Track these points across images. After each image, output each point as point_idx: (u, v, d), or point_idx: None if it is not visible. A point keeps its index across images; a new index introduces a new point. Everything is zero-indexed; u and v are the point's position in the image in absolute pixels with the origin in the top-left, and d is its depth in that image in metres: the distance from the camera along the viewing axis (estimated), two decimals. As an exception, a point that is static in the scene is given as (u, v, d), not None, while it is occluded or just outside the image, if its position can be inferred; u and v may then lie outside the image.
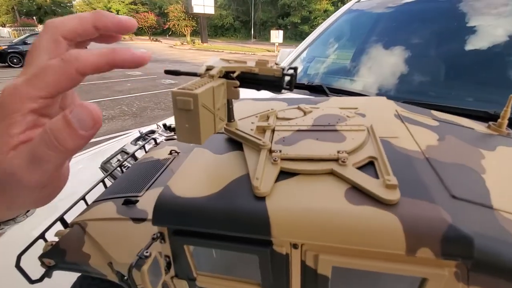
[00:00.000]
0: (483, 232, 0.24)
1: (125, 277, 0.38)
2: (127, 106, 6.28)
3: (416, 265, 0.25)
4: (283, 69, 0.33)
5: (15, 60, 10.87)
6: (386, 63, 1.37)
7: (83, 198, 0.52)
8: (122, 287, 0.42)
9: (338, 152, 0.33)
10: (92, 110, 0.27)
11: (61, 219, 0.47)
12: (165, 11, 34.33)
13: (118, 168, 0.68)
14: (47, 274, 0.43)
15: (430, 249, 0.23)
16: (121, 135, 1.38)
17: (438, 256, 0.23)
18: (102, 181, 0.58)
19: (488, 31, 1.11)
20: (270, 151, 0.35)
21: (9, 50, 10.73)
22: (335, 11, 2.09)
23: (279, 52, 2.43)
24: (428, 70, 1.25)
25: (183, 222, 0.29)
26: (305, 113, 0.45)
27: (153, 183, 0.51)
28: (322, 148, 0.34)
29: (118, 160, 0.90)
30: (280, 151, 0.34)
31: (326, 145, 0.35)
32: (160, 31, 37.48)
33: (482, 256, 0.23)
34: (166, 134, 0.97)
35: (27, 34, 12.07)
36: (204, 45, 24.37)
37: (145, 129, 1.11)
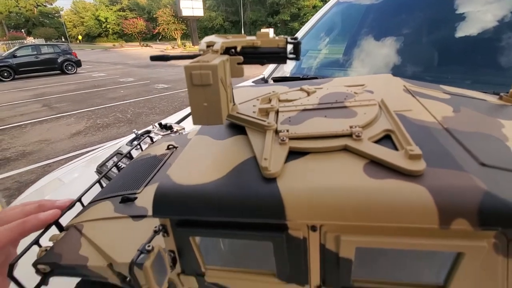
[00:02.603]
0: None
1: (128, 278, 0.35)
2: (121, 113, 6.22)
3: (450, 238, 0.22)
4: (287, 38, 0.30)
5: (5, 74, 10.74)
6: (379, 54, 1.36)
7: (79, 200, 0.48)
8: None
9: (351, 127, 0.30)
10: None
11: (56, 223, 0.44)
12: (154, 16, 34.14)
13: (114, 169, 0.65)
14: (43, 282, 0.40)
15: (466, 220, 0.21)
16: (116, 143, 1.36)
17: (476, 227, 0.21)
18: (99, 182, 0.55)
19: (476, 17, 1.13)
20: (276, 132, 0.32)
21: (-2, 64, 10.61)
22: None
23: None
24: (421, 57, 1.24)
25: (187, 212, 0.26)
26: (308, 94, 0.42)
27: (151, 179, 0.48)
28: (332, 124, 0.32)
29: (114, 162, 0.87)
30: (287, 130, 0.32)
31: (337, 121, 0.32)
32: (150, 36, 37.28)
33: None
34: (162, 133, 0.94)
35: (16, 47, 11.90)
36: (195, 48, 24.27)
37: (140, 131, 1.08)
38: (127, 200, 0.43)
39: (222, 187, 0.26)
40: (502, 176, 0.24)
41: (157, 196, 0.27)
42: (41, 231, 0.41)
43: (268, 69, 1.80)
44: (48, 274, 0.38)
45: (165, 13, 31.18)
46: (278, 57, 0.33)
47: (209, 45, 0.30)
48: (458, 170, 0.23)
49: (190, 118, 1.21)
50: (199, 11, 25.41)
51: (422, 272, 0.27)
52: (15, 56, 10.98)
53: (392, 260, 0.26)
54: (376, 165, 0.26)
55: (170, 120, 1.19)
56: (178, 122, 1.12)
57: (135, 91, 8.29)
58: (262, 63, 0.33)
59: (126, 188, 0.47)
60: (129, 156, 0.70)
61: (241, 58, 0.31)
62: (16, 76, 10.99)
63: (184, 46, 25.98)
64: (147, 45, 31.19)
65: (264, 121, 0.34)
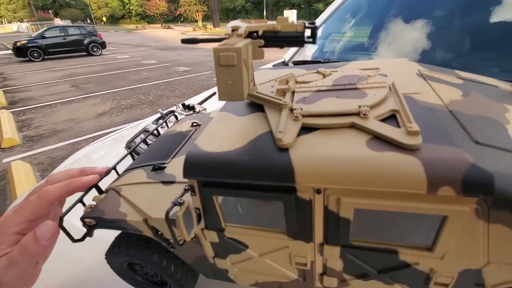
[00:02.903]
0: (505, 171, 0.25)
1: (159, 232, 0.41)
2: (143, 95, 6.39)
3: (437, 203, 0.25)
4: (305, 23, 0.33)
5: (35, 54, 11.19)
6: (407, 38, 1.29)
7: (114, 168, 0.55)
8: (157, 243, 0.46)
9: (359, 106, 0.33)
10: (51, 227, 0.42)
11: (96, 186, 0.51)
12: (176, -3, 33.94)
13: (142, 145, 0.71)
14: (88, 234, 0.47)
15: (451, 187, 0.24)
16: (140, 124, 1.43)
17: (460, 193, 0.24)
18: (131, 154, 0.62)
19: None
20: (291, 110, 0.36)
21: (29, 45, 11.03)
22: (351, -13, 1.99)
23: None
24: (451, 43, 1.17)
25: (212, 174, 0.31)
26: (324, 76, 0.45)
27: (178, 151, 0.53)
28: (342, 104, 0.35)
29: (142, 138, 0.94)
30: (301, 109, 0.35)
31: (347, 101, 0.35)
32: (171, 17, 37.25)
33: (503, 193, 0.24)
34: (185, 113, 0.99)
35: (45, 28, 12.32)
36: (216, 30, 24.06)
37: (165, 111, 1.15)
38: (158, 168, 0.48)
39: (242, 155, 0.31)
40: (492, 153, 0.27)
41: (187, 161, 0.32)
42: (83, 192, 0.48)
43: (288, 53, 1.79)
44: (93, 226, 0.45)
45: (186, -6, 30.92)
46: (296, 41, 0.36)
47: (234, 29, 0.33)
48: (451, 146, 0.26)
49: (211, 100, 1.26)
50: (220, -9, 24.88)
51: (412, 236, 0.30)
52: (44, 37, 11.38)
53: (386, 225, 0.30)
54: (379, 140, 0.29)
55: (192, 101, 1.24)
56: (200, 103, 1.17)
57: (157, 74, 8.45)
58: (281, 46, 0.37)
59: (156, 159, 0.52)
60: (156, 133, 0.77)
61: (262, 41, 0.35)
62: (45, 57, 11.44)
63: (205, 28, 25.80)
64: (169, 27, 31.27)
65: (281, 100, 0.37)
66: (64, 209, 0.47)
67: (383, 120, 0.32)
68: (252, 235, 0.36)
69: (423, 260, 0.30)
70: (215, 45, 0.33)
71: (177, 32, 25.87)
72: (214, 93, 1.23)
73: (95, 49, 12.51)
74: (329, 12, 1.91)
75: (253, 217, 0.36)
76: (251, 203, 0.36)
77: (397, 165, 0.26)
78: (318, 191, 0.29)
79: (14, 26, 38.04)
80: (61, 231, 0.45)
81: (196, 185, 0.33)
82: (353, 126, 0.32)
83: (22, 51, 11.02)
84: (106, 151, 1.28)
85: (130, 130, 1.35)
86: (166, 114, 1.05)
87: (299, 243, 0.34)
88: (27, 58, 11.13)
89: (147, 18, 38.57)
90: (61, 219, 0.45)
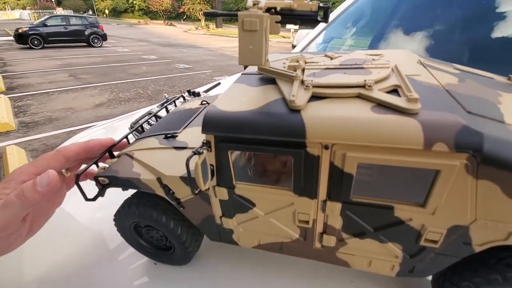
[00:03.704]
0: (492, 134, 0.28)
1: (171, 191, 0.44)
2: (142, 89, 6.38)
3: (431, 158, 0.29)
4: (319, 3, 0.36)
5: (35, 42, 11.12)
6: (407, 49, 1.32)
7: (125, 137, 0.58)
8: (165, 205, 0.49)
9: (365, 80, 0.37)
10: (50, 176, 0.43)
11: (109, 151, 0.53)
12: (180, -5, 34.00)
13: (147, 126, 0.74)
14: (100, 193, 0.49)
15: (445, 143, 0.27)
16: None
17: (452, 149, 0.27)
18: (139, 128, 0.64)
19: None
20: (302, 82, 0.39)
21: (30, 32, 10.96)
22: (355, -4, 2.03)
23: (295, 37, 2.41)
24: (451, 56, 1.18)
25: (229, 130, 0.34)
26: (332, 58, 0.49)
27: (189, 123, 0.56)
28: (350, 78, 0.38)
29: (146, 118, 0.97)
30: (312, 80, 0.38)
31: (354, 76, 0.38)
32: (174, 15, 37.26)
33: (491, 151, 0.27)
34: (191, 99, 1.02)
35: (46, 16, 12.23)
36: (218, 30, 24.14)
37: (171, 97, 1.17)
38: (170, 136, 0.51)
39: (257, 114, 0.34)
40: (482, 121, 0.30)
41: (206, 118, 0.35)
42: (98, 157, 0.51)
43: (294, 51, 1.83)
44: (106, 185, 0.48)
45: (191, -8, 31.02)
46: (310, 19, 0.39)
47: (255, 3, 0.37)
48: (446, 111, 0.30)
49: (216, 89, 1.29)
50: (225, -7, 25.06)
51: (407, 194, 0.34)
52: (45, 25, 11.31)
53: (384, 183, 0.33)
54: (382, 107, 0.32)
55: (198, 90, 1.27)
56: (206, 91, 1.20)
57: (157, 69, 8.44)
58: (296, 24, 0.40)
59: (168, 130, 0.55)
60: (161, 115, 0.79)
61: (279, 17, 0.38)
62: (45, 45, 11.37)
63: (208, 27, 25.86)
64: (171, 24, 31.25)
65: (293, 73, 0.41)
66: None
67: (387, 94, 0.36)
68: (260, 193, 0.38)
69: (415, 216, 0.33)
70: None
71: (179, 30, 25.89)
72: (219, 83, 1.26)
73: (95, 41, 12.45)
74: (334, 16, 1.95)
75: (262, 177, 0.39)
76: (261, 162, 0.39)
77: (398, 124, 0.29)
78: (326, 147, 0.32)
79: (16, 13, 37.77)
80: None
81: (212, 140, 0.36)
82: (359, 96, 0.35)
83: (23, 38, 10.95)
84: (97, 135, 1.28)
85: (122, 121, 1.35)
86: (173, 99, 1.07)
87: (304, 200, 0.37)
88: (27, 45, 11.04)
89: (149, 13, 38.49)
90: (77, 177, 0.47)
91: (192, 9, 31.58)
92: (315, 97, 0.36)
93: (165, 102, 1.09)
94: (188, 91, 1.10)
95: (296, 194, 0.37)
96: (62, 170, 0.49)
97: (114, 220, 0.52)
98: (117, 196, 0.53)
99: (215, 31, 23.48)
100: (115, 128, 1.33)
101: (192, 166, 0.34)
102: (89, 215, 0.70)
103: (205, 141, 0.36)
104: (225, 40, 17.82)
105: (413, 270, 0.40)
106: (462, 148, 0.27)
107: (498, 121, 0.31)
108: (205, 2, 30.26)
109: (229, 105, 0.36)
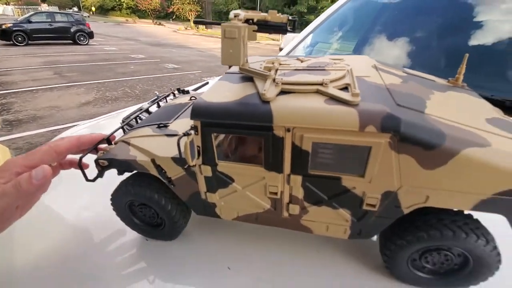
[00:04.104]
0: (409, 119, 0.38)
1: (163, 171, 0.52)
2: (130, 88, 6.33)
3: (365, 137, 0.38)
4: (288, 17, 0.46)
5: (19, 38, 10.81)
6: (389, 54, 1.38)
7: (118, 129, 0.65)
8: (157, 185, 0.56)
9: (323, 80, 0.46)
10: (45, 170, 0.48)
11: (107, 139, 0.60)
12: (170, -6, 33.76)
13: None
14: (100, 175, 0.56)
15: (374, 126, 0.37)
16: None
17: (379, 130, 0.37)
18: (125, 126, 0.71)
19: (493, 26, 1.11)
20: (274, 80, 0.48)
21: (14, 28, 10.65)
22: (342, 2, 2.10)
23: (283, 40, 2.49)
24: (430, 62, 1.27)
25: (213, 116, 0.42)
26: (302, 61, 0.58)
27: (179, 116, 0.64)
28: (311, 78, 0.47)
29: (137, 114, 1.03)
30: (282, 79, 0.47)
31: (315, 76, 0.48)
32: (163, 14, 36.93)
33: (406, 132, 0.37)
34: (180, 95, 1.09)
35: (31, 13, 11.92)
36: (208, 31, 24.14)
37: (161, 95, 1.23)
38: (163, 126, 0.59)
39: (236, 104, 0.42)
40: (405, 110, 0.40)
41: (194, 107, 0.43)
42: (94, 144, 0.58)
43: (281, 53, 1.91)
44: (105, 167, 0.55)
45: (180, -8, 30.91)
46: (281, 29, 0.48)
47: (236, 15, 0.45)
48: (378, 103, 0.39)
49: (204, 88, 1.36)
50: (215, -6, 25.18)
51: (351, 167, 0.43)
52: (30, 22, 11.02)
53: (333, 159, 0.42)
54: (333, 100, 0.41)
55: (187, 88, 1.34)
56: (195, 90, 1.27)
57: (145, 68, 8.38)
58: (270, 33, 0.49)
59: (160, 121, 0.63)
60: (151, 110, 0.86)
61: (255, 27, 0.47)
62: (29, 42, 11.07)
63: (197, 28, 25.79)
64: (160, 24, 31.00)
65: (267, 72, 0.49)
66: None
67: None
68: (238, 169, 0.47)
69: (358, 184, 0.43)
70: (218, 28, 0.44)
71: (168, 30, 25.71)
72: (207, 83, 1.34)
73: (81, 38, 12.20)
74: (319, 21, 2.04)
75: (239, 156, 0.47)
76: (239, 145, 0.47)
77: (342, 112, 0.38)
78: (288, 130, 0.41)
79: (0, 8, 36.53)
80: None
81: (199, 125, 0.44)
82: (317, 91, 0.44)
83: (6, 35, 10.62)
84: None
85: (108, 119, 1.38)
86: (164, 96, 1.14)
87: (273, 174, 0.45)
88: (11, 42, 10.72)
89: (138, 12, 38.01)
90: (80, 159, 0.54)
91: (182, 9, 31.43)
92: (283, 92, 0.45)
93: (156, 98, 1.16)
94: (178, 89, 1.18)
95: (266, 169, 0.45)
96: None
97: (111, 199, 0.59)
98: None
99: (205, 32, 23.46)
100: (101, 126, 1.36)
101: (182, 146, 0.42)
102: (78, 212, 0.75)
103: (193, 126, 0.44)
104: (214, 41, 17.83)
105: (361, 232, 0.49)
106: (386, 129, 0.37)
107: (419, 111, 0.41)
108: (195, 3, 30.20)
109: (214, 97, 0.45)
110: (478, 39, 1.13)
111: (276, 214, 0.51)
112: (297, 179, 0.45)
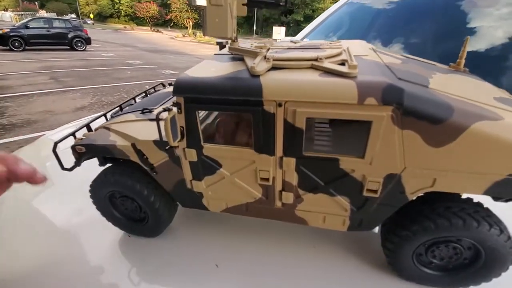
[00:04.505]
0: (412, 91, 0.34)
1: (145, 156, 0.47)
2: (126, 93, 6.28)
3: (364, 110, 0.34)
4: (280, -10, 0.42)
5: (16, 44, 10.79)
6: None
7: (104, 114, 0.61)
8: (139, 174, 0.51)
9: (318, 55, 0.42)
10: None
11: (87, 125, 0.56)
12: (168, 2, 34.12)
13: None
14: (78, 163, 0.52)
15: (374, 98, 0.33)
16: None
17: (380, 103, 0.33)
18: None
19: (487, 32, 1.11)
20: (265, 57, 0.44)
21: (11, 34, 10.64)
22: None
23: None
24: None
25: (197, 92, 0.38)
26: (295, 43, 0.54)
27: (165, 102, 0.60)
28: (305, 54, 0.43)
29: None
30: (273, 55, 0.43)
31: (309, 53, 0.44)
32: (161, 22, 37.23)
33: (410, 104, 0.33)
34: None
35: (29, 18, 11.94)
36: (205, 38, 24.29)
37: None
38: (147, 111, 0.55)
39: (223, 79, 0.38)
40: (407, 83, 0.36)
41: (177, 82, 0.39)
42: (81, 124, 0.53)
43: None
44: (83, 154, 0.50)
45: (178, 0, 31.23)
46: (273, 3, 0.45)
47: None
48: (377, 75, 0.35)
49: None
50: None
51: (349, 148, 0.39)
52: (27, 27, 11.02)
53: (330, 139, 0.38)
54: (329, 74, 0.38)
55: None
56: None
57: (142, 74, 8.36)
58: (260, 7, 0.45)
59: (144, 107, 0.59)
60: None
61: (244, 0, 0.43)
62: (26, 47, 11.04)
63: (195, 35, 25.99)
64: (157, 31, 31.21)
65: (257, 50, 0.46)
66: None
67: None
68: (225, 152, 0.42)
69: (357, 166, 0.38)
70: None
71: (166, 36, 25.84)
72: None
73: (79, 44, 12.21)
74: (314, 25, 2.03)
75: (226, 138, 0.43)
76: (226, 125, 0.43)
77: (338, 84, 0.34)
78: (279, 105, 0.37)
79: (-3, 14, 36.61)
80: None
81: (182, 102, 0.40)
82: (311, 67, 0.40)
83: (3, 40, 10.61)
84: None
85: (98, 120, 1.35)
86: (153, 87, 1.10)
87: (264, 157, 0.41)
88: (8, 47, 10.68)
89: (136, 19, 38.28)
90: (55, 145, 0.49)
91: (180, 17, 31.72)
92: (275, 68, 0.41)
93: (145, 90, 1.12)
94: (170, 84, 1.14)
95: (257, 151, 0.41)
96: None
97: (90, 191, 0.54)
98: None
99: (202, 39, 23.63)
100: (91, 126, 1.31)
101: (162, 124, 0.38)
102: (64, 218, 0.70)
103: (175, 103, 0.40)
104: (212, 48, 17.92)
105: (361, 223, 0.44)
106: (387, 102, 0.33)
107: (422, 86, 0.37)
108: (193, 11, 30.51)
109: (199, 72, 0.41)
110: (470, 44, 1.11)
111: (268, 204, 0.46)
112: (291, 162, 0.40)
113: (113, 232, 0.60)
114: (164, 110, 0.38)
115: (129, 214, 0.57)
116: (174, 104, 0.40)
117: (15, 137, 3.94)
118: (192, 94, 0.39)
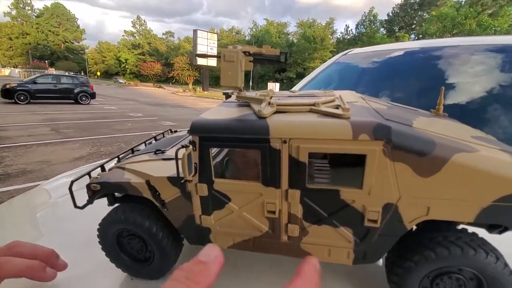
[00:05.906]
0: (399, 128, 0.39)
1: (157, 193, 0.50)
2: (125, 144, 6.37)
3: (359, 145, 0.39)
4: (280, 51, 0.51)
5: (21, 97, 11.24)
6: None
7: (117, 157, 0.65)
8: (149, 211, 0.53)
9: (315, 101, 0.49)
10: None
11: (101, 166, 0.60)
12: (171, 61, 36.98)
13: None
14: (90, 201, 0.54)
15: (366, 134, 0.38)
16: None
17: (372, 138, 0.38)
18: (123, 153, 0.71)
19: (464, 88, 1.23)
20: (269, 103, 0.51)
21: (17, 88, 11.17)
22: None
23: None
24: None
25: (211, 131, 0.44)
26: (294, 92, 0.62)
27: (176, 144, 0.65)
28: (304, 100, 0.50)
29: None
30: (277, 101, 0.50)
31: (308, 99, 0.51)
32: (164, 78, 39.78)
33: (398, 139, 0.38)
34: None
35: (37, 74, 12.69)
36: (204, 93, 25.76)
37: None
38: (160, 152, 0.59)
39: (233, 120, 0.44)
40: (394, 123, 0.42)
41: (193, 123, 0.44)
42: (95, 166, 0.57)
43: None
44: (97, 192, 0.53)
45: (181, 60, 33.94)
46: (274, 61, 0.53)
47: (234, 47, 0.50)
48: (368, 117, 0.41)
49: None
50: (213, 62, 27.74)
51: (348, 180, 0.43)
52: (35, 83, 11.62)
53: (330, 172, 0.42)
54: (326, 115, 0.44)
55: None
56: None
57: (142, 126, 8.61)
58: (264, 64, 0.54)
59: (157, 148, 0.63)
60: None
61: (251, 58, 0.51)
62: (31, 101, 11.48)
63: (195, 90, 27.60)
64: (160, 86, 33.21)
65: (262, 97, 0.53)
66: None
67: None
68: (235, 186, 0.46)
69: (357, 197, 0.42)
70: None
71: (167, 91, 27.33)
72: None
73: (83, 98, 12.72)
74: (305, 82, 2.22)
75: (236, 173, 0.46)
76: (236, 161, 0.47)
77: (335, 124, 0.40)
78: (284, 142, 0.42)
79: (7, 71, 38.78)
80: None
81: (197, 140, 0.45)
82: (310, 111, 0.47)
83: (9, 94, 11.06)
84: (64, 184, 1.22)
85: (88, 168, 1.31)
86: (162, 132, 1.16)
87: (270, 190, 0.44)
88: (13, 101, 11.12)
89: (140, 76, 40.92)
90: (71, 183, 0.52)
91: (181, 74, 34.08)
92: (278, 112, 0.47)
93: (154, 136, 1.18)
94: (175, 131, 1.21)
95: (264, 185, 0.45)
96: None
97: (99, 229, 0.55)
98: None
99: (202, 94, 25.04)
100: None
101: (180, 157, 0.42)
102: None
103: (191, 141, 0.45)
104: (211, 102, 18.86)
105: (365, 255, 0.46)
106: (378, 137, 0.38)
107: (407, 125, 0.43)
108: (193, 69, 32.96)
109: (212, 115, 0.47)
110: (450, 97, 1.22)
111: (274, 237, 0.48)
112: (295, 194, 0.44)
113: (111, 270, 0.59)
114: (182, 147, 0.43)
115: (134, 254, 0.57)
116: (190, 143, 0.45)
117: (8, 187, 3.88)
118: (206, 133, 0.44)
